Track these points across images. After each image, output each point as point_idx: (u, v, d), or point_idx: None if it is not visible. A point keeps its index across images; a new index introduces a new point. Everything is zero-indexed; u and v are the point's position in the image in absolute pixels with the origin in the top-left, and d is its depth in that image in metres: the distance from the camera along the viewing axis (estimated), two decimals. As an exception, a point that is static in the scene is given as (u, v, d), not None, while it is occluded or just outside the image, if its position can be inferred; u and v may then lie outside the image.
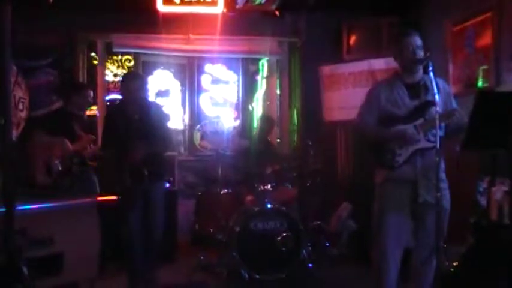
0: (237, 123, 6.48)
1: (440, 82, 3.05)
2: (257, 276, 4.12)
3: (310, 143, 4.88)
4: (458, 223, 3.10)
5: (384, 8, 5.57)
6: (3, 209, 1.89)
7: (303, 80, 6.02)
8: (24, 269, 1.95)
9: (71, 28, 5.57)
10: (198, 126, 6.34)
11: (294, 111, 6.22)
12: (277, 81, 6.48)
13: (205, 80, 6.39)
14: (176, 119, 6.33)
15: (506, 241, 2.85)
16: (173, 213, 4.99)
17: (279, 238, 4.20)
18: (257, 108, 6.51)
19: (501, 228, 3.19)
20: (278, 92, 6.49)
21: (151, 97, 6.02)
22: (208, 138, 6.19)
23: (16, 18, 2.03)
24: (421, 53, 2.99)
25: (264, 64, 6.50)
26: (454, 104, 3.10)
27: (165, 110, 5.09)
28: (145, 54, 6.16)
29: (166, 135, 4.07)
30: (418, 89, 3.02)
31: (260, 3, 5.56)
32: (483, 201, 3.57)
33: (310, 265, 4.35)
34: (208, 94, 6.41)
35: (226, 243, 4.37)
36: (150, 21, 5.43)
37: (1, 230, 1.90)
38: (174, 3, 5.41)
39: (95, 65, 6.16)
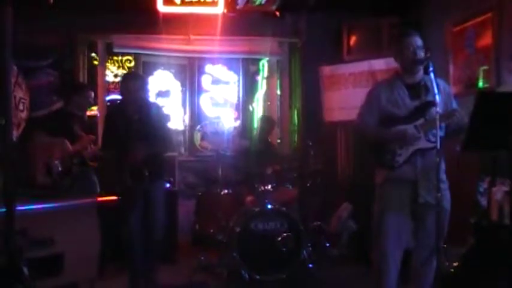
0: (238, 123, 6.49)
1: (441, 82, 3.05)
2: (257, 277, 4.12)
3: (310, 144, 4.88)
4: (458, 223, 3.10)
5: (384, 9, 5.57)
6: (4, 210, 1.90)
7: (304, 81, 6.02)
8: (25, 270, 1.95)
9: (72, 28, 5.57)
10: (199, 126, 6.35)
11: (295, 111, 6.21)
12: (278, 82, 6.48)
13: (205, 81, 6.40)
14: (176, 120, 6.33)
15: (507, 241, 2.85)
16: (173, 213, 4.99)
17: (279, 238, 4.20)
18: (257, 108, 6.51)
19: (501, 228, 3.18)
20: (278, 92, 6.49)
21: (152, 97, 6.03)
22: (209, 139, 6.20)
23: (16, 19, 2.03)
24: (421, 54, 2.98)
25: (264, 64, 6.49)
26: (455, 105, 3.10)
27: (165, 110, 5.10)
28: (145, 54, 6.16)
29: (167, 135, 4.07)
30: (419, 90, 3.01)
31: (260, 4, 5.56)
32: (483, 201, 3.56)
33: (310, 265, 4.35)
34: (208, 94, 6.42)
35: (227, 244, 4.37)
36: (151, 22, 5.43)
37: (2, 230, 1.90)
38: (175, 4, 5.41)
39: (95, 66, 6.15)
